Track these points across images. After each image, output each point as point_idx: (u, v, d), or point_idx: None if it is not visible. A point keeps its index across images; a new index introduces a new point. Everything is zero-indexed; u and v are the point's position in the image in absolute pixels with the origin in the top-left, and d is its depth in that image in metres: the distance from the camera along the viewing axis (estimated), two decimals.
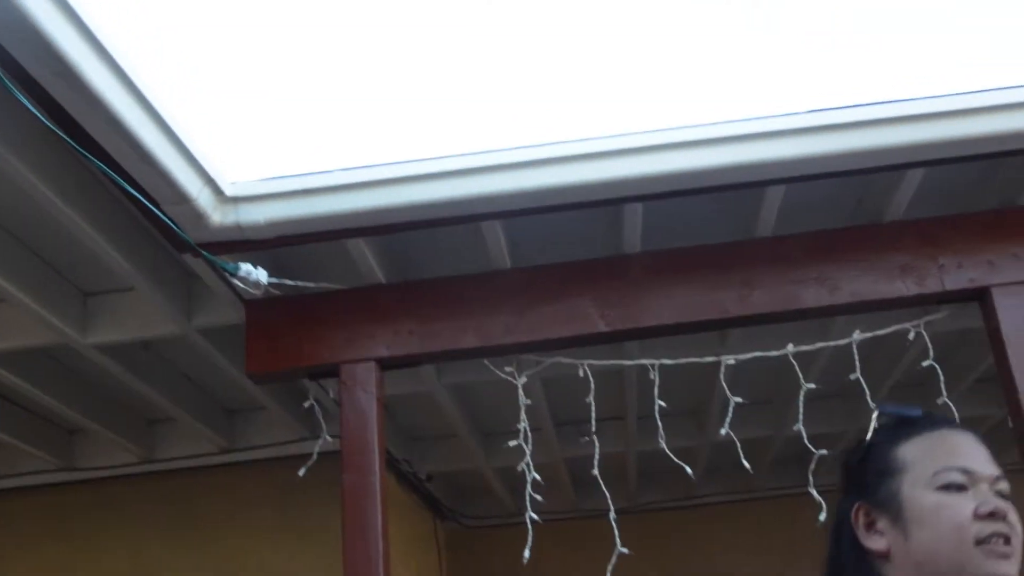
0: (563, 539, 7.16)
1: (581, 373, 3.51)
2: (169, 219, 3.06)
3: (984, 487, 1.49)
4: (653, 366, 3.49)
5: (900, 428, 1.61)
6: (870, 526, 1.54)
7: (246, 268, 3.13)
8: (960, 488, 1.47)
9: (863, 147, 3.12)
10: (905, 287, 3.38)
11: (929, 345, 3.48)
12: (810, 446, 3.38)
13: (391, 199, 3.22)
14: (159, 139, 2.82)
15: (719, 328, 3.84)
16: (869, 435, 1.68)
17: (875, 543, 1.52)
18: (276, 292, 3.51)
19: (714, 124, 3.15)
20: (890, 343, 4.97)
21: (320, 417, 3.81)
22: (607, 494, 3.53)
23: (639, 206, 3.34)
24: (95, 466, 5.44)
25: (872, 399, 3.56)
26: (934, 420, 1.61)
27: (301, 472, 3.62)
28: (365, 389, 3.44)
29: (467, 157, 3.21)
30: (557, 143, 3.18)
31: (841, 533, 1.59)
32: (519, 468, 3.46)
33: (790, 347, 3.47)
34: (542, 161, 3.15)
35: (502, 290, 3.53)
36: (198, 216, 3.13)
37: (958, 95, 3.12)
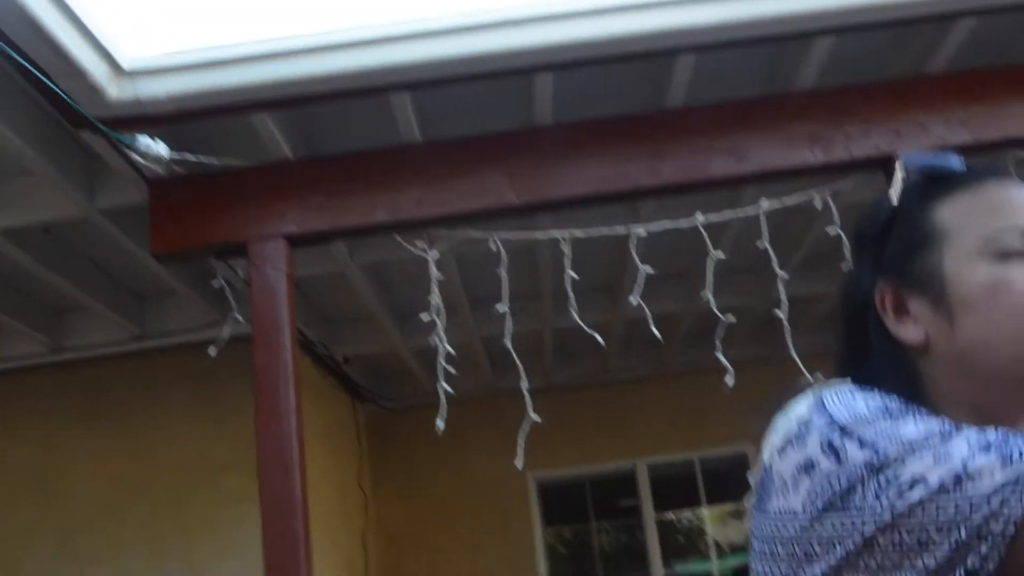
0: (481, 418, 7.27)
1: (493, 247, 3.50)
2: (63, 93, 2.94)
3: None
4: (564, 238, 3.49)
5: (934, 185, 1.20)
6: (900, 311, 1.18)
7: (145, 141, 3.04)
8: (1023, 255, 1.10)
9: (772, 14, 3.10)
10: (812, 156, 3.41)
11: (835, 213, 3.53)
12: (718, 313, 3.44)
13: (295, 71, 3.13)
14: (49, 8, 2.69)
15: (630, 199, 3.85)
16: (893, 196, 1.25)
17: (908, 333, 1.16)
18: (179, 170, 3.42)
19: None
20: (799, 216, 5.05)
21: (231, 298, 3.77)
22: (521, 368, 3.56)
23: (550, 77, 3.30)
24: (3, 357, 5.33)
25: (781, 268, 3.63)
26: (978, 172, 1.20)
27: (211, 351, 3.58)
28: (274, 266, 3.39)
29: (373, 27, 3.12)
30: (464, 12, 3.11)
31: (860, 323, 1.22)
32: (431, 341, 3.46)
33: (699, 216, 3.50)
34: (449, 30, 3.08)
35: (412, 164, 3.48)
36: (93, 90, 3.01)
37: None
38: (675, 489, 7.98)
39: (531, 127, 3.51)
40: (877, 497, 0.97)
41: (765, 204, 3.54)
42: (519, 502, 7.64)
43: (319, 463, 5.75)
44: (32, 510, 5.35)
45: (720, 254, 3.55)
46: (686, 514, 8.14)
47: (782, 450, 1.07)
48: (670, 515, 8.05)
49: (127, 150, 3.12)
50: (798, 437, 1.06)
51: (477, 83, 3.27)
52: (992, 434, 0.96)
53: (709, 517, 8.06)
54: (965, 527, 0.93)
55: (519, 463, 3.40)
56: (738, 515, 8.00)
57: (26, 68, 2.83)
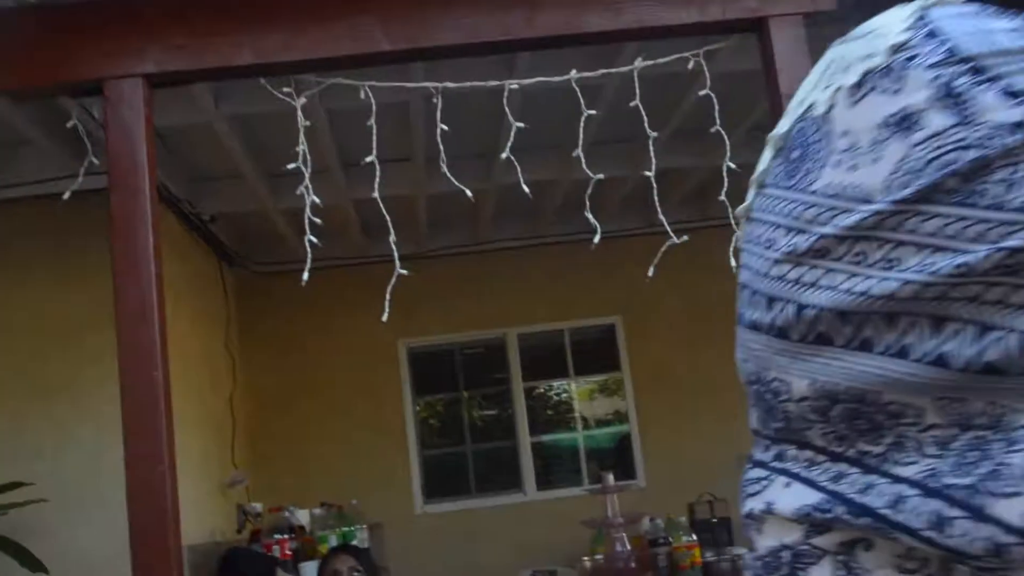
0: (353, 284, 7.23)
1: (363, 95, 3.41)
2: None
3: None
4: (437, 89, 3.42)
5: None
6: None
7: None
8: None
9: None
10: (687, 15, 3.40)
11: (707, 76, 3.54)
12: (588, 172, 3.44)
13: None
14: None
15: (504, 51, 3.79)
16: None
17: None
18: None
19: None
20: (673, 84, 5.07)
21: (87, 141, 3.60)
22: (390, 223, 3.51)
23: None
24: None
25: (650, 132, 3.63)
26: None
27: (66, 195, 3.43)
28: (132, 107, 3.24)
29: None
30: None
31: None
32: (302, 202, 3.37)
33: (573, 73, 3.47)
34: None
35: (280, 5, 3.34)
36: None
37: None
38: (544, 361, 8.11)
39: None
40: None
41: (639, 63, 3.52)
42: (390, 369, 7.68)
43: (184, 323, 5.63)
44: None
45: (593, 112, 3.54)
46: (554, 386, 8.29)
47: (857, 90, 0.69)
48: (540, 388, 8.19)
49: None
50: (889, 73, 0.68)
51: None
52: None
53: (577, 391, 8.23)
54: None
55: (384, 318, 3.37)
56: (605, 390, 8.20)
57: None
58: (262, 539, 5.79)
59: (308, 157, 3.39)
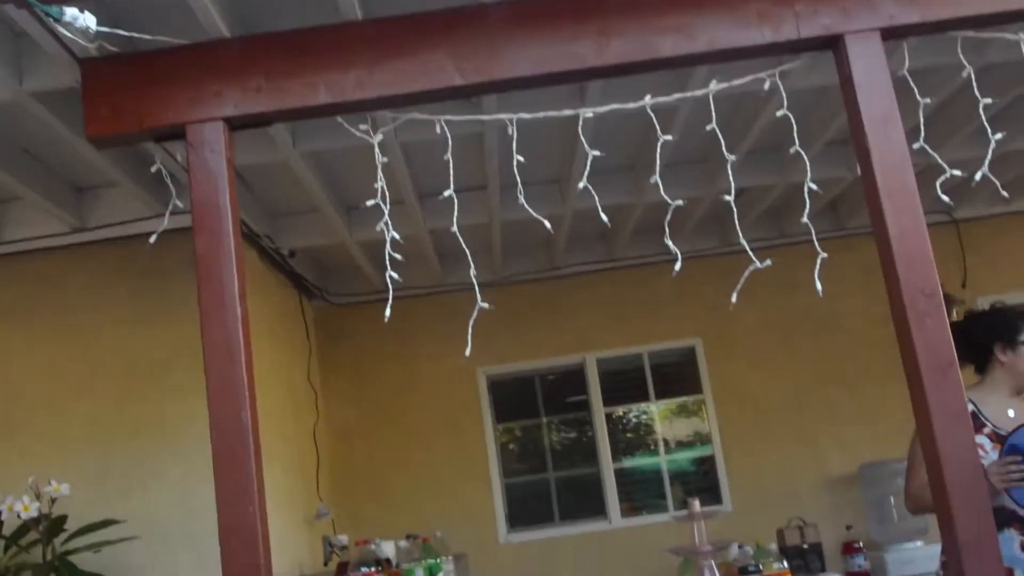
0: (430, 314, 7.28)
1: (438, 129, 3.42)
2: None
3: None
4: (511, 121, 3.42)
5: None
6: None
7: (71, 12, 2.90)
8: None
9: None
10: (761, 35, 3.35)
11: (784, 96, 3.49)
12: (665, 197, 3.40)
13: None
14: None
15: (577, 80, 3.78)
16: None
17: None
18: (112, 48, 3.29)
19: None
20: (747, 105, 5.03)
21: (170, 184, 3.68)
22: (468, 255, 3.52)
23: None
24: None
25: (728, 155, 3.59)
26: None
27: (152, 239, 3.50)
28: (213, 149, 3.29)
29: None
30: None
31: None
32: (378, 234, 3.39)
33: (648, 98, 3.44)
34: None
35: (353, 43, 3.37)
36: None
37: None
38: (624, 384, 8.04)
39: (475, 4, 3.41)
40: None
41: (715, 86, 3.49)
42: (470, 398, 7.67)
43: (268, 358, 5.71)
44: None
45: (669, 137, 3.50)
46: (634, 409, 8.22)
47: None
48: (619, 410, 8.13)
49: (54, 23, 2.98)
50: None
51: None
52: None
53: (657, 413, 8.16)
54: None
55: (468, 351, 3.37)
56: (684, 410, 8.11)
57: None
58: (349, 573, 5.80)
59: (387, 193, 3.41)
